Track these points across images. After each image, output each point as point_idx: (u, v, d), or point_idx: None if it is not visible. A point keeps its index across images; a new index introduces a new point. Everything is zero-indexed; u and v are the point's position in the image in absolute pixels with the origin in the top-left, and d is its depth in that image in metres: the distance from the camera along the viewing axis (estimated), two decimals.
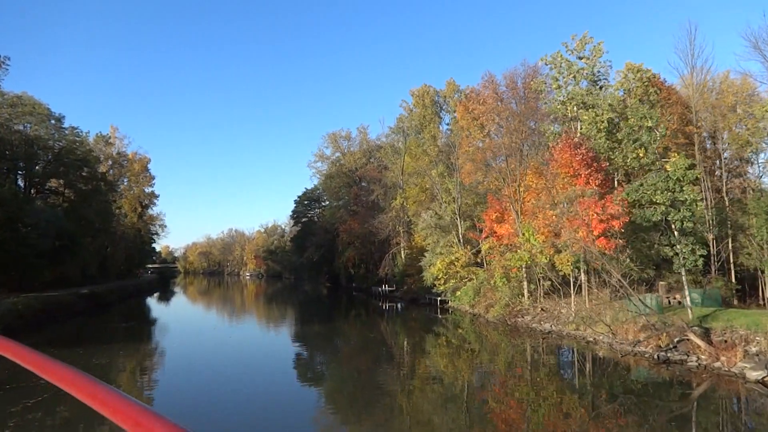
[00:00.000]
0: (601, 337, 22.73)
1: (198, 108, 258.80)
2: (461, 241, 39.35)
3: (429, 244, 40.25)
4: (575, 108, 29.26)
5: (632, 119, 22.26)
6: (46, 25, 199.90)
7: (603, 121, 28.14)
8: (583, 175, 26.13)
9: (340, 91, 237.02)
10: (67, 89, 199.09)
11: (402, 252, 52.50)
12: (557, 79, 30.69)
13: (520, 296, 30.75)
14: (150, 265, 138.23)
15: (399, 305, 49.75)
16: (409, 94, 57.66)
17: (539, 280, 30.06)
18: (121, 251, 78.50)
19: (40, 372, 1.24)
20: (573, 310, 26.52)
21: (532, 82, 32.29)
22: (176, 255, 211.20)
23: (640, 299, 20.74)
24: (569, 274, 26.27)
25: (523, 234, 29.11)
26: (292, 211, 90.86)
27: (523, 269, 30.14)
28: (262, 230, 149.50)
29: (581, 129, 28.44)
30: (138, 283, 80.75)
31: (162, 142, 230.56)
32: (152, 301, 68.29)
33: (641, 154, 22.18)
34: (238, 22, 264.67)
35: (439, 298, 41.86)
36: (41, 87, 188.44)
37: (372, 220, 58.18)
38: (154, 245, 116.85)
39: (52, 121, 57.85)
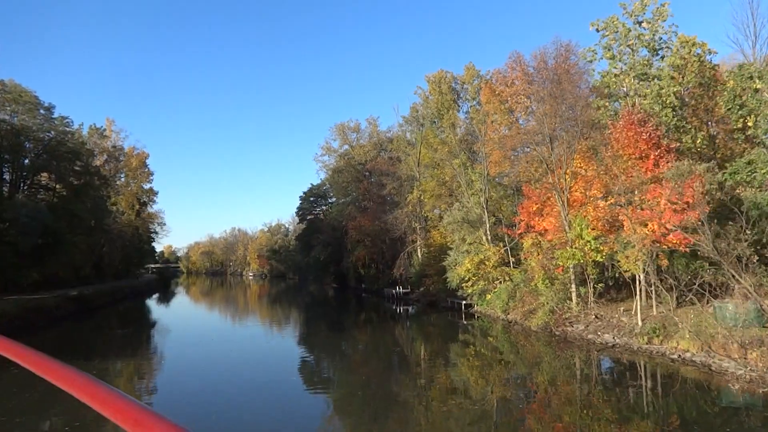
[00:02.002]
0: (688, 355, 18.34)
1: (200, 107, 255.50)
2: (489, 238, 34.99)
3: (454, 242, 35.89)
4: (635, 80, 24.92)
5: (732, 82, 18.02)
6: (47, 25, 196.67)
7: (670, 95, 23.81)
8: (652, 157, 21.77)
9: (346, 85, 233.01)
10: (68, 89, 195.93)
11: (419, 250, 48.14)
12: (610, 48, 26.31)
13: (566, 301, 26.37)
14: (152, 265, 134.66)
15: (415, 309, 45.48)
16: (425, 80, 53.34)
17: (590, 281, 25.68)
18: (117, 250, 74.38)
19: (40, 372, 1.22)
20: (639, 318, 22.10)
21: (580, 52, 27.93)
22: (179, 255, 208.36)
23: (761, 306, 16.32)
24: (635, 275, 21.89)
25: (574, 228, 24.74)
26: (297, 208, 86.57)
27: (571, 270, 25.78)
28: (266, 229, 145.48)
29: (644, 104, 24.11)
30: (135, 284, 76.70)
31: (165, 141, 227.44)
32: (149, 304, 64.14)
33: (749, 123, 17.91)
34: (237, 16, 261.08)
35: (463, 302, 37.48)
36: (42, 87, 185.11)
37: (384, 216, 53.90)
38: (154, 244, 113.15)
39: (42, 111, 53.78)
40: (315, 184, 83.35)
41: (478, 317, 36.13)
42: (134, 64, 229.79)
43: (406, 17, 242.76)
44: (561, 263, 24.90)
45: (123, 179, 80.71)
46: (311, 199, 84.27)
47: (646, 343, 20.49)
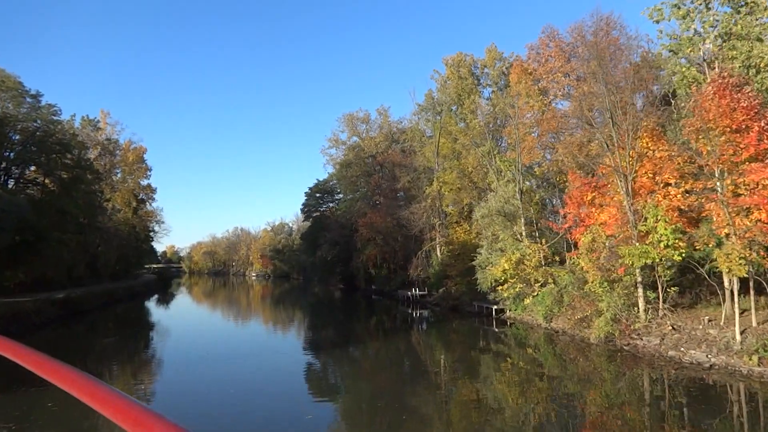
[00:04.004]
0: None
1: (202, 106, 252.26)
2: (524, 233, 30.59)
3: (486, 238, 31.47)
4: (718, 40, 20.55)
5: None
6: (47, 25, 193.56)
7: (765, 56, 19.45)
8: (755, 129, 17.34)
9: (350, 82, 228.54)
10: (68, 89, 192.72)
11: (438, 249, 43.72)
12: (680, 5, 21.92)
13: (632, 308, 21.96)
14: (154, 265, 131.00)
15: (434, 313, 41.17)
16: (442, 63, 48.92)
17: (662, 284, 21.27)
18: (113, 250, 70.30)
19: (40, 372, 1.22)
20: (737, 330, 17.67)
21: (642, 12, 23.54)
22: (182, 255, 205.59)
23: None
24: (736, 276, 17.50)
25: (646, 220, 20.36)
26: (303, 205, 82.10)
27: (638, 270, 21.38)
28: (269, 228, 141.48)
29: (735, 69, 19.73)
30: (132, 285, 72.59)
31: (167, 141, 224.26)
32: (144, 307, 59.92)
33: None
34: (237, 15, 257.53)
35: (494, 307, 33.07)
36: (41, 87, 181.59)
37: (397, 212, 49.62)
38: (156, 244, 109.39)
39: (28, 99, 49.74)
40: (321, 179, 79.12)
41: (511, 324, 31.80)
42: (135, 64, 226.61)
43: (408, 12, 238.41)
44: (628, 262, 20.49)
45: (119, 175, 76.64)
46: (317, 195, 79.90)
47: (758, 365, 16.04)
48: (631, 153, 22.01)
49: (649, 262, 19.89)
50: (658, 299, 21.59)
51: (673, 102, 26.45)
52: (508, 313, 32.58)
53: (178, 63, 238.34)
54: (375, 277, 60.57)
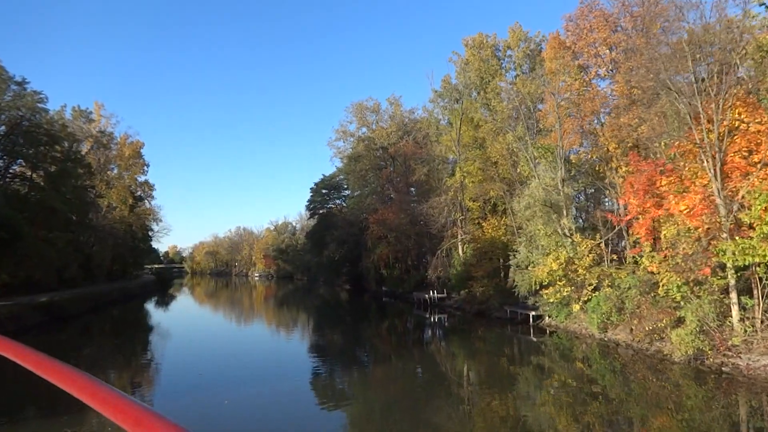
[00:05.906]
0: None
1: (204, 106, 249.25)
2: (571, 228, 26.43)
3: (526, 233, 27.28)
4: None
5: None
6: (47, 25, 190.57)
7: None
8: None
9: (353, 80, 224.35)
10: (68, 90, 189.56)
11: (461, 247, 39.54)
12: None
13: (723, 318, 17.81)
14: (155, 266, 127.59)
15: (456, 318, 37.08)
16: (462, 44, 44.77)
17: (763, 289, 17.10)
18: (108, 249, 66.41)
19: (40, 372, 1.23)
20: None
21: None
22: (184, 255, 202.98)
23: None
24: None
25: (746, 208, 16.22)
26: (308, 201, 77.89)
27: (731, 272, 17.24)
28: (272, 228, 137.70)
29: None
30: (128, 286, 68.80)
31: (169, 141, 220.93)
32: (140, 311, 55.96)
33: None
34: (239, 13, 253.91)
35: (531, 313, 28.94)
36: (41, 86, 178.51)
37: (411, 207, 45.62)
38: (158, 244, 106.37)
39: (13, 86, 45.95)
40: (327, 174, 74.90)
41: (551, 333, 27.68)
42: (135, 64, 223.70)
43: (408, 10, 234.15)
44: (727, 261, 16.35)
45: (115, 171, 72.72)
46: (323, 191, 75.72)
47: None
48: (720, 127, 17.86)
49: (756, 260, 15.72)
50: (756, 306, 17.42)
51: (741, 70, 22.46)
52: (547, 320, 28.45)
53: (178, 63, 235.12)
54: (386, 277, 56.44)
